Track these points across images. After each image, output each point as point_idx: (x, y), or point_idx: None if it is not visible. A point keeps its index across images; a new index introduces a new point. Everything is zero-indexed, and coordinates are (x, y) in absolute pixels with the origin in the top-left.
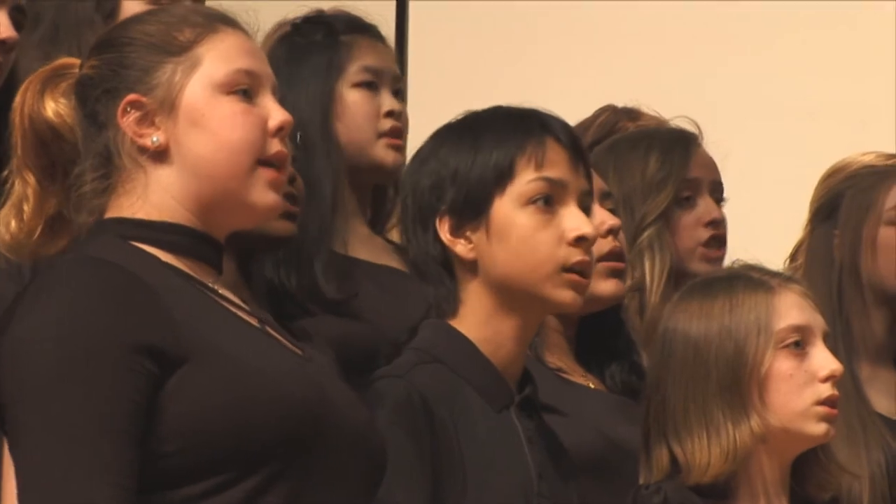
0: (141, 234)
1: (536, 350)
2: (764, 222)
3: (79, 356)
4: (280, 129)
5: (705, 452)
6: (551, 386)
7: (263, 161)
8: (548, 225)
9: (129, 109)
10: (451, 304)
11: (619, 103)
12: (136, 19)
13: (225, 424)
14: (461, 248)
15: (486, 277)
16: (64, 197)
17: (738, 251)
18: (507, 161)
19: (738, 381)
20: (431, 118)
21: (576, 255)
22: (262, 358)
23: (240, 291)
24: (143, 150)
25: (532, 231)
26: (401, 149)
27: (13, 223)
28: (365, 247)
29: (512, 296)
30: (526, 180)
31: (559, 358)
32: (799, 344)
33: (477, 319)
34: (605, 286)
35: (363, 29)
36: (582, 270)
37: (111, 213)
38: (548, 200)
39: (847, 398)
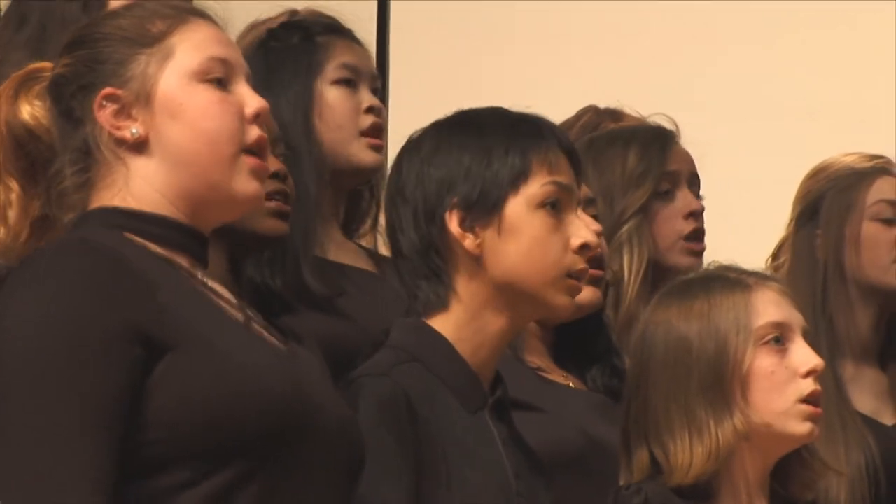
0: (129, 223)
1: (516, 351)
2: (747, 222)
3: (64, 344)
4: (257, 116)
5: (688, 452)
6: (532, 384)
7: (245, 149)
8: (556, 230)
9: (104, 103)
10: (443, 298)
11: (610, 103)
12: (107, 16)
13: (206, 416)
14: (469, 242)
15: (489, 274)
16: (46, 197)
17: (721, 249)
18: (524, 163)
19: (719, 380)
20: (413, 117)
21: (579, 263)
22: (246, 352)
23: (228, 289)
24: (121, 142)
25: (544, 233)
26: (380, 149)
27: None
28: (341, 250)
29: (512, 294)
30: (540, 183)
31: (538, 358)
32: (779, 340)
33: (465, 316)
34: (584, 294)
35: (339, 30)
36: (581, 277)
37: (94, 205)
38: (555, 205)
39: (828, 397)
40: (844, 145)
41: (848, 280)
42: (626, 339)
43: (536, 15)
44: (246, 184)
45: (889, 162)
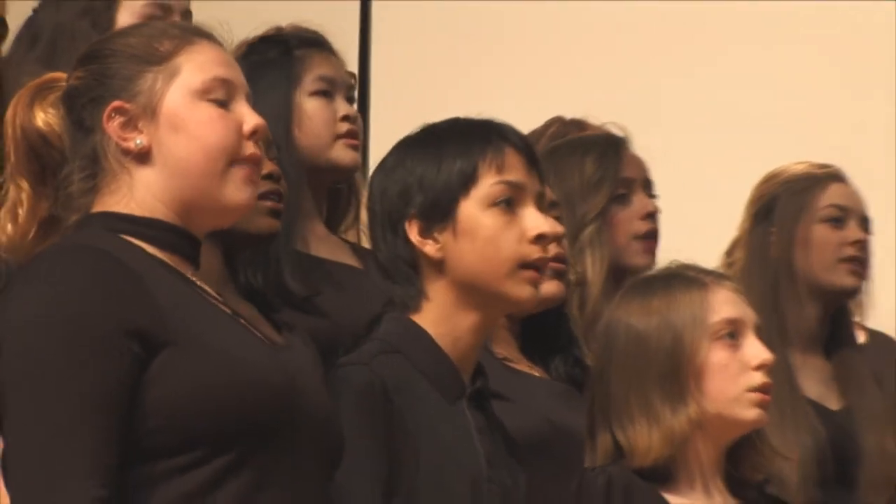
0: (126, 227)
1: (485, 342)
2: (702, 222)
3: (67, 339)
4: (254, 133)
5: (646, 437)
6: (499, 374)
7: (237, 161)
8: (510, 225)
9: (113, 115)
10: (416, 301)
11: (577, 112)
12: (119, 33)
13: (202, 406)
14: (430, 248)
15: (451, 275)
16: (54, 198)
17: (679, 248)
18: (470, 167)
19: (676, 371)
20: (394, 118)
21: (535, 252)
22: (238, 346)
23: (226, 284)
24: (127, 152)
25: (497, 230)
26: (357, 148)
27: (9, 226)
28: (323, 245)
29: (475, 292)
30: (489, 184)
31: (505, 349)
32: (732, 335)
33: (438, 315)
34: (548, 287)
35: (315, 43)
36: (539, 267)
37: (97, 210)
38: (509, 202)
39: (779, 385)
40: (792, 152)
41: (797, 277)
42: (592, 335)
43: (512, 24)
44: (237, 193)
45: (838, 170)
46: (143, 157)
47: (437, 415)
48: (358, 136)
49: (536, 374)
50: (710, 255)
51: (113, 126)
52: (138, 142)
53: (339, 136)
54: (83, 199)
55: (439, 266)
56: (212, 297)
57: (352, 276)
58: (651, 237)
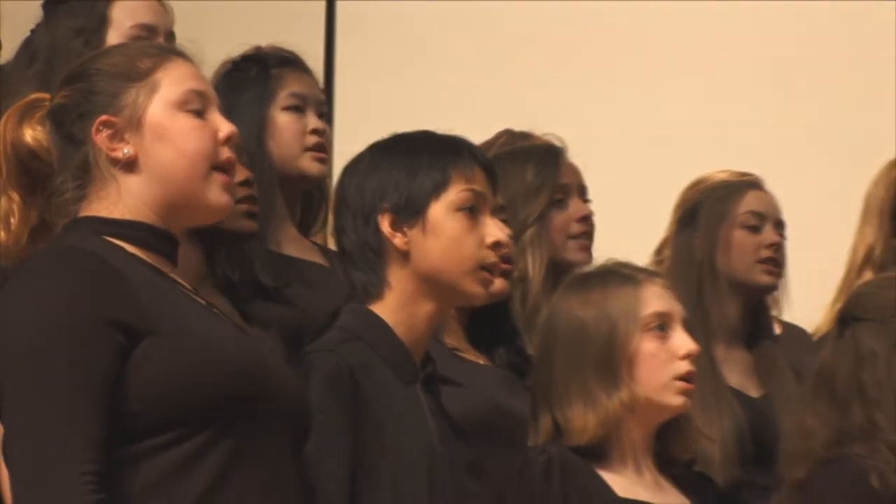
0: (109, 229)
1: (437, 333)
2: (633, 223)
3: (58, 331)
4: (228, 139)
5: (583, 419)
6: (450, 362)
7: (216, 167)
8: (472, 229)
9: (101, 128)
10: (378, 288)
11: (524, 125)
12: (101, 54)
13: (182, 387)
14: (398, 240)
15: (415, 267)
16: (45, 206)
17: (612, 248)
18: (443, 174)
19: (611, 359)
20: (358, 118)
21: (491, 256)
22: (212, 332)
23: (205, 280)
24: (115, 161)
25: (461, 232)
26: (324, 161)
27: (2, 234)
28: (294, 246)
29: (434, 284)
30: (458, 190)
31: (455, 340)
32: (661, 327)
33: (398, 303)
34: (497, 284)
35: (291, 62)
36: (493, 269)
37: (85, 214)
38: (472, 209)
39: (704, 375)
40: (715, 160)
41: (719, 277)
42: (533, 326)
43: (469, 30)
44: (218, 196)
45: (757, 178)
46: (130, 165)
47: (395, 397)
48: (325, 149)
49: (482, 362)
50: (636, 254)
51: (101, 138)
52: (126, 151)
53: (307, 149)
54: (75, 205)
55: (404, 258)
56: (187, 291)
57: (320, 273)
58: (586, 237)
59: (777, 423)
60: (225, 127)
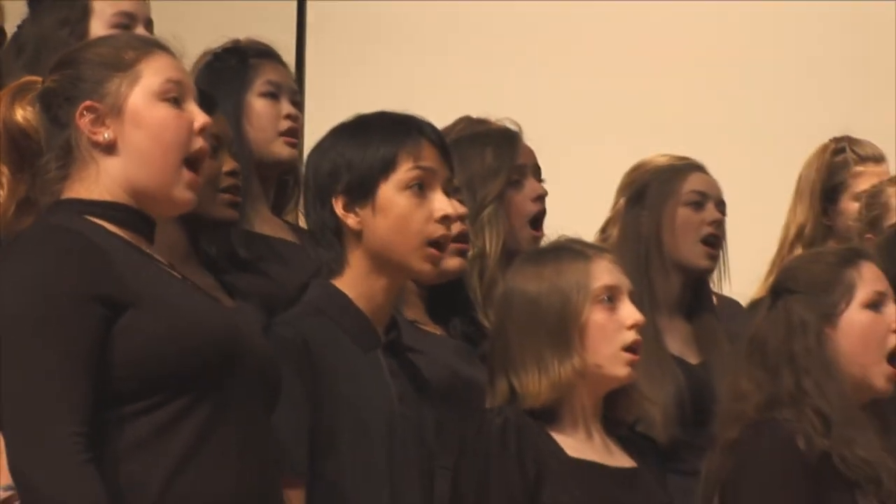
0: (90, 209)
1: (399, 306)
2: (580, 203)
3: (47, 304)
4: (202, 129)
5: (537, 384)
6: (411, 333)
7: (188, 158)
8: (420, 206)
9: (85, 113)
10: (339, 265)
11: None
12: (89, 44)
13: (161, 354)
14: (351, 220)
15: (367, 245)
16: (31, 183)
17: (564, 226)
18: (391, 154)
19: (563, 329)
20: (327, 114)
21: (440, 230)
22: (189, 302)
23: (190, 258)
24: (96, 144)
25: (409, 210)
26: (295, 145)
27: None
28: (268, 224)
29: (386, 262)
30: (406, 169)
31: (415, 313)
32: (610, 299)
33: (355, 278)
34: (451, 262)
35: (267, 54)
36: (442, 244)
37: (68, 195)
38: (421, 186)
39: (648, 343)
40: (653, 146)
41: (664, 252)
42: (491, 298)
43: (435, 29)
44: (182, 192)
45: (699, 162)
46: (109, 148)
47: (355, 363)
48: (297, 134)
49: (439, 332)
50: (583, 231)
51: (84, 122)
52: (106, 135)
53: (281, 133)
54: (58, 184)
55: (358, 236)
56: (164, 265)
57: (291, 250)
58: (539, 218)
59: (714, 388)
60: (200, 118)
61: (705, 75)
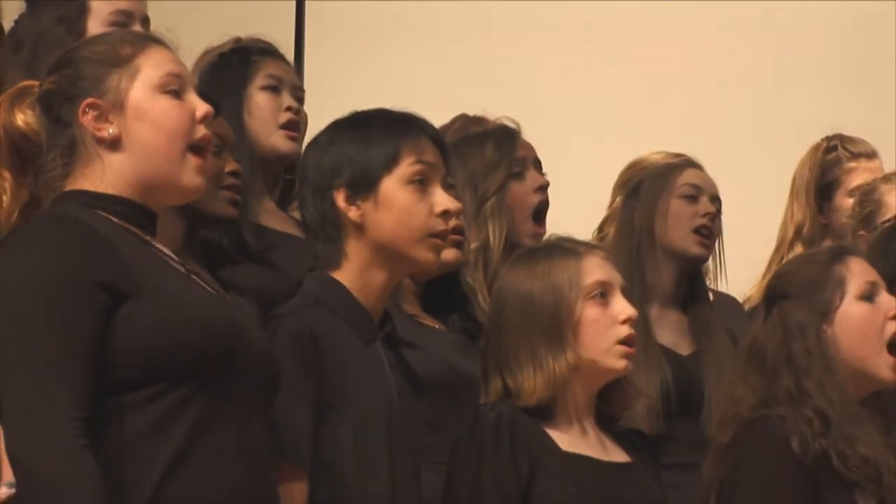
0: (95, 202)
1: (397, 301)
2: (578, 203)
3: (49, 291)
4: (204, 118)
5: (531, 380)
6: (410, 328)
7: (192, 146)
8: (422, 200)
9: (87, 110)
10: (337, 258)
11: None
12: (86, 43)
13: (159, 345)
14: (353, 213)
15: (369, 238)
16: (34, 183)
17: (562, 225)
18: (393, 149)
19: (557, 325)
20: (327, 114)
21: (440, 225)
22: (189, 294)
23: (186, 253)
24: (100, 140)
25: (411, 204)
26: (296, 139)
27: None
28: (272, 218)
29: (387, 253)
30: (408, 164)
31: (412, 307)
32: (603, 295)
33: (355, 270)
34: (448, 254)
35: (269, 51)
36: (442, 237)
37: (72, 189)
38: (422, 181)
39: (636, 332)
40: (656, 142)
41: (656, 241)
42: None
43: (431, 28)
44: (192, 178)
45: (694, 158)
46: (114, 144)
47: (356, 354)
48: (298, 128)
49: (437, 327)
50: (584, 231)
51: (87, 119)
52: (110, 131)
53: (281, 126)
54: (62, 182)
55: (359, 229)
56: (168, 258)
57: (293, 243)
58: (542, 210)
59: (703, 379)
60: (201, 107)
61: (705, 75)
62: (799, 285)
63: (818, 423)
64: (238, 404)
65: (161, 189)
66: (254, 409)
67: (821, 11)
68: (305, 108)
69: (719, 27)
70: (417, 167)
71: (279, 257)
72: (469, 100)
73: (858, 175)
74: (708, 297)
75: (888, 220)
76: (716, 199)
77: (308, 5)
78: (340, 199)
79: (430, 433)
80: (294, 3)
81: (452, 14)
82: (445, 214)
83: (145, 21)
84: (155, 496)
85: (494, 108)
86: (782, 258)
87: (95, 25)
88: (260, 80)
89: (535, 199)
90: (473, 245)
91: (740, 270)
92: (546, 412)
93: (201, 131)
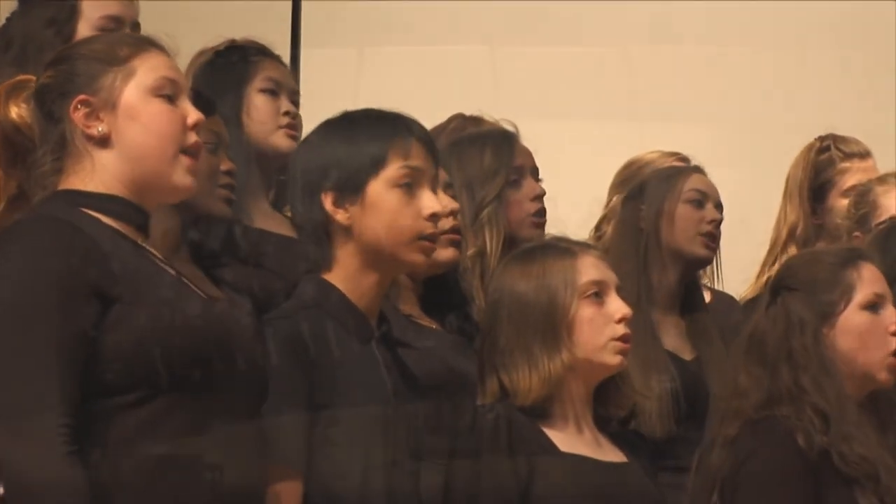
0: (84, 201)
1: (393, 301)
2: (576, 202)
3: (37, 295)
4: (196, 125)
5: (527, 380)
6: (406, 328)
7: (183, 149)
8: (409, 204)
9: (79, 107)
10: (327, 261)
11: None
12: (84, 41)
13: (146, 350)
14: (340, 216)
15: (357, 241)
16: (24, 177)
17: (561, 225)
18: (381, 152)
19: (552, 325)
20: (321, 115)
21: (429, 228)
22: (178, 300)
23: (179, 249)
24: (90, 138)
25: (398, 207)
26: (295, 138)
27: None
28: (267, 219)
29: (376, 256)
30: (395, 167)
31: (410, 307)
32: (597, 294)
33: (346, 274)
34: (445, 253)
35: (268, 53)
36: (431, 239)
37: (63, 188)
38: (409, 185)
39: (643, 337)
40: (654, 141)
41: (662, 246)
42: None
43: (427, 27)
44: (183, 177)
45: (698, 164)
46: (103, 142)
47: (352, 355)
48: (296, 129)
49: (434, 327)
50: (582, 231)
51: (78, 116)
52: (100, 129)
53: (280, 127)
54: (52, 178)
55: (348, 232)
56: (159, 260)
57: (286, 244)
58: (539, 214)
59: (707, 384)
60: (193, 114)
61: (704, 75)
62: (806, 280)
63: (818, 421)
64: (227, 408)
65: (152, 188)
66: (244, 412)
67: (821, 11)
68: (301, 110)
69: (719, 27)
70: (405, 171)
71: (273, 259)
72: (467, 101)
73: (852, 176)
74: (705, 303)
75: (883, 222)
76: (719, 206)
77: (304, 6)
78: (328, 202)
79: (427, 433)
80: (290, 4)
81: (452, 15)
82: (434, 217)
83: (135, 26)
84: (142, 499)
85: (495, 109)
86: (776, 259)
87: (85, 28)
88: (259, 82)
89: (531, 207)
90: (470, 252)
91: (735, 271)
92: (543, 412)
93: (192, 138)
